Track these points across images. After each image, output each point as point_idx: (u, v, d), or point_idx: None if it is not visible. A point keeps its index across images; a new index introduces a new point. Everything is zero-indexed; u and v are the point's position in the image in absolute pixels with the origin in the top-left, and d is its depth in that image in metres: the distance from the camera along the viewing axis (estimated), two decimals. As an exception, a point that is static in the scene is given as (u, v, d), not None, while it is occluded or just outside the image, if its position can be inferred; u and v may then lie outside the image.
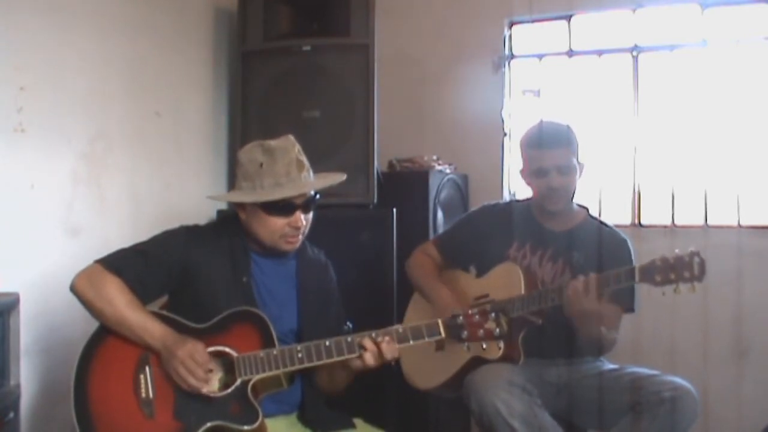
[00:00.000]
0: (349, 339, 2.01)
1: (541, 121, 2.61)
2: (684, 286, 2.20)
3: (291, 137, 2.19)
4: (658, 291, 2.25)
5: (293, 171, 2.12)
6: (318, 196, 2.19)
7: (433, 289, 2.66)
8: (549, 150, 2.49)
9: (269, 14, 3.37)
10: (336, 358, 2.00)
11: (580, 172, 2.58)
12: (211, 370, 2.00)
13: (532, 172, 2.56)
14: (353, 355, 2.00)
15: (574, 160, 2.54)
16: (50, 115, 2.64)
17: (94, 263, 2.12)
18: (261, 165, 2.12)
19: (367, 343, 1.99)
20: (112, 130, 2.92)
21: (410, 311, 2.81)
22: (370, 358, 1.99)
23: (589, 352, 2.55)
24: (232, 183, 2.26)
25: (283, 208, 2.11)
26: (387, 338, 2.00)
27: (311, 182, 2.17)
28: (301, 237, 2.18)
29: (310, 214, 2.18)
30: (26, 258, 2.54)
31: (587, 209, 2.71)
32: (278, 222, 2.12)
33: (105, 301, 2.05)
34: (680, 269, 2.20)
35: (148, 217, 3.04)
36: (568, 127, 2.59)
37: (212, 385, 2.01)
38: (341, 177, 2.24)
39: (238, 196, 2.17)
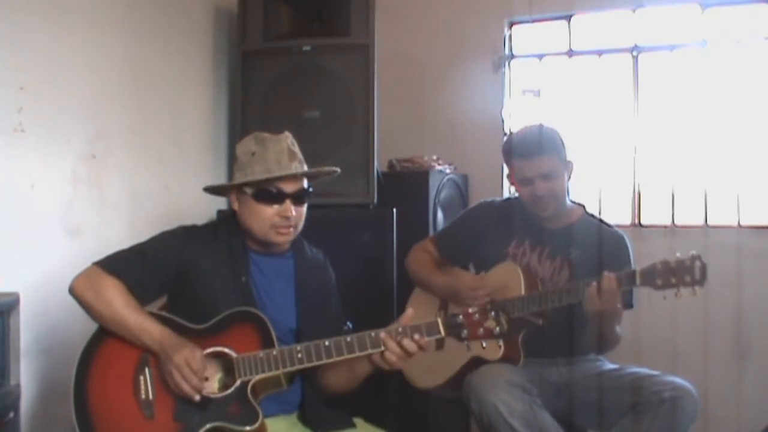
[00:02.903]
0: (348, 339, 2.00)
1: (525, 127, 2.62)
2: (685, 290, 2.20)
3: (287, 132, 2.20)
4: (659, 293, 2.26)
5: (284, 159, 2.12)
6: (311, 189, 2.19)
7: (435, 279, 2.69)
8: (531, 159, 2.49)
9: (269, 14, 3.36)
10: (335, 358, 2.00)
11: (569, 172, 2.58)
12: (206, 379, 2.00)
13: (517, 181, 2.58)
14: (353, 355, 2.00)
15: (559, 164, 2.52)
16: (50, 115, 2.63)
17: (93, 265, 2.11)
18: (253, 154, 2.13)
19: (388, 341, 1.97)
20: (112, 130, 2.92)
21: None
22: (392, 357, 1.96)
23: (598, 350, 2.56)
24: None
25: (274, 196, 2.11)
26: (416, 336, 1.97)
27: (300, 169, 2.16)
28: (293, 230, 2.16)
29: (303, 207, 2.17)
30: (26, 258, 2.53)
31: (583, 206, 2.71)
32: (268, 210, 2.11)
33: (104, 303, 2.05)
34: (682, 273, 2.20)
35: (148, 217, 3.04)
36: (552, 131, 2.57)
37: (212, 385, 2.01)
38: (334, 169, 2.25)
39: (227, 182, 2.16)
